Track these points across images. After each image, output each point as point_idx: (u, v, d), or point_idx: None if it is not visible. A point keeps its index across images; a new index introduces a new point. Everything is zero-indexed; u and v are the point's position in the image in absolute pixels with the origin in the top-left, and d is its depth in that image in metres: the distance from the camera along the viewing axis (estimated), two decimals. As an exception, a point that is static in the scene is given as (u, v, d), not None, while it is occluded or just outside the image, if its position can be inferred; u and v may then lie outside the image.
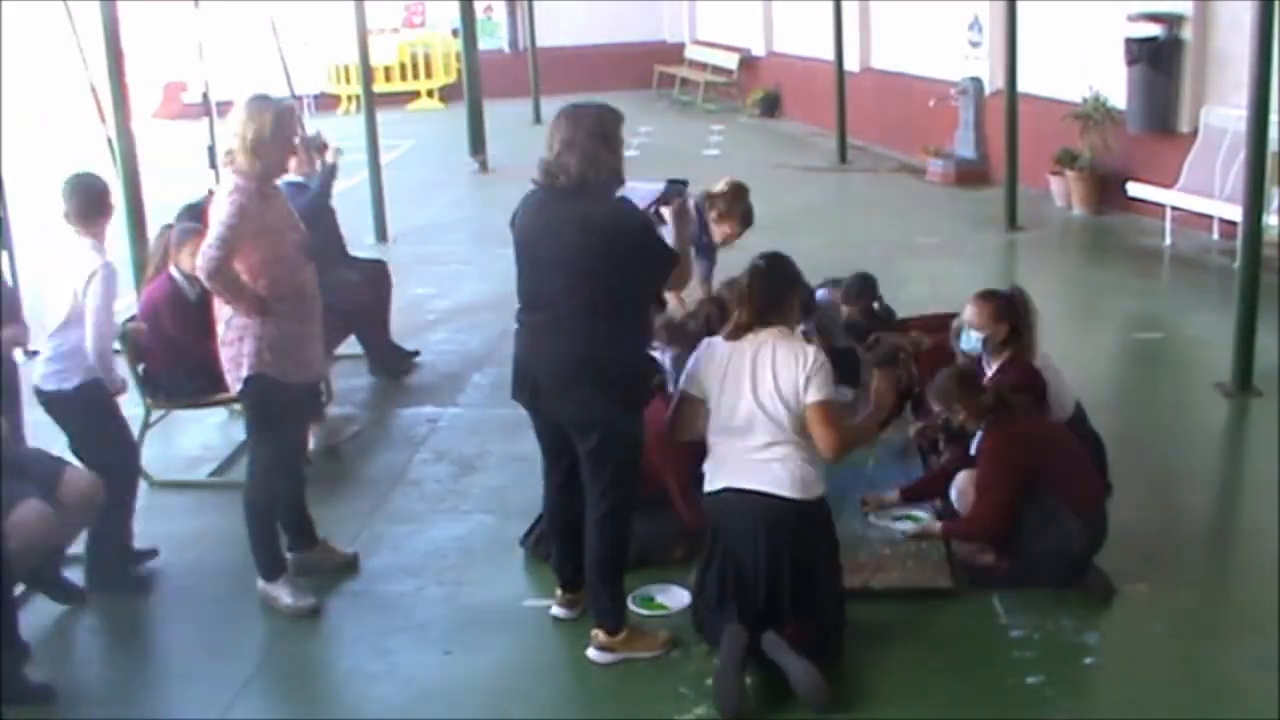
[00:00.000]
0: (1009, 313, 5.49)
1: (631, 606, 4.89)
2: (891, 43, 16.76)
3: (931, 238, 11.30)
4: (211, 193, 7.59)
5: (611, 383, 4.40)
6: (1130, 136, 11.38)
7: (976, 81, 13.83)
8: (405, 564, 5.46)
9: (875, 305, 6.93)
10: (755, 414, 4.42)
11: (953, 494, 5.30)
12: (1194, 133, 10.70)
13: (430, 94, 23.84)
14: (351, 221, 8.57)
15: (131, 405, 6.45)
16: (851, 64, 16.34)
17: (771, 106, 20.18)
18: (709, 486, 4.53)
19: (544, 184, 4.46)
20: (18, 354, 5.66)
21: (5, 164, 8.42)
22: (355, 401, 7.61)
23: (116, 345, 6.35)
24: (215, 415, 7.15)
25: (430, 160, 17.14)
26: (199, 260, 4.80)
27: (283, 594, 5.07)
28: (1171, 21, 10.86)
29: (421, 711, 4.44)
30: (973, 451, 5.25)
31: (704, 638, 4.60)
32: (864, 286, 7.08)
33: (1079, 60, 12.17)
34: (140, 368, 6.36)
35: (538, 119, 20.13)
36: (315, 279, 5.11)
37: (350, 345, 7.95)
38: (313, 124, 10.54)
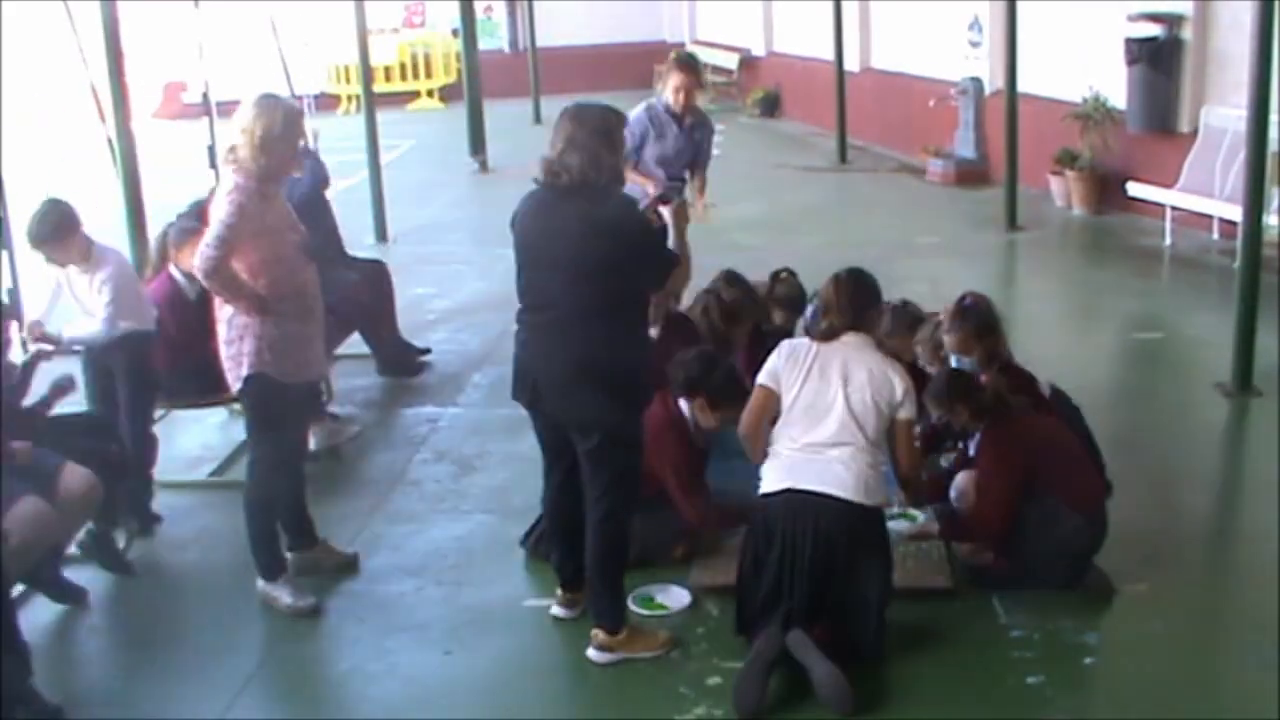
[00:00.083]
0: (984, 327, 5.46)
1: (631, 606, 4.89)
2: (891, 43, 16.76)
3: (931, 238, 11.30)
4: (213, 192, 7.63)
5: (611, 384, 4.39)
6: (1130, 136, 11.38)
7: (976, 81, 13.83)
8: (405, 564, 5.46)
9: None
10: (837, 409, 4.49)
11: (952, 494, 5.29)
12: (1194, 133, 10.70)
13: (430, 94, 23.85)
14: (351, 221, 8.58)
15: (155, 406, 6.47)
16: (851, 64, 16.35)
17: (771, 106, 20.18)
18: (768, 487, 4.53)
19: (545, 183, 4.46)
20: (15, 351, 5.66)
21: (5, 164, 8.42)
22: (356, 401, 7.61)
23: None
24: (215, 415, 7.15)
25: (430, 160, 17.14)
26: (197, 259, 4.80)
27: (283, 594, 5.07)
28: (1171, 21, 10.85)
29: (421, 711, 4.44)
30: (971, 452, 5.25)
31: (741, 633, 4.58)
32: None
33: (1079, 60, 12.17)
34: (140, 368, 6.36)
35: (538, 119, 20.13)
36: (316, 279, 5.12)
37: (351, 345, 7.95)
38: (313, 124, 10.54)
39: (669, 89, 7.38)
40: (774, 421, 4.65)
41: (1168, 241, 10.48)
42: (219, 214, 4.79)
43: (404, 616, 5.03)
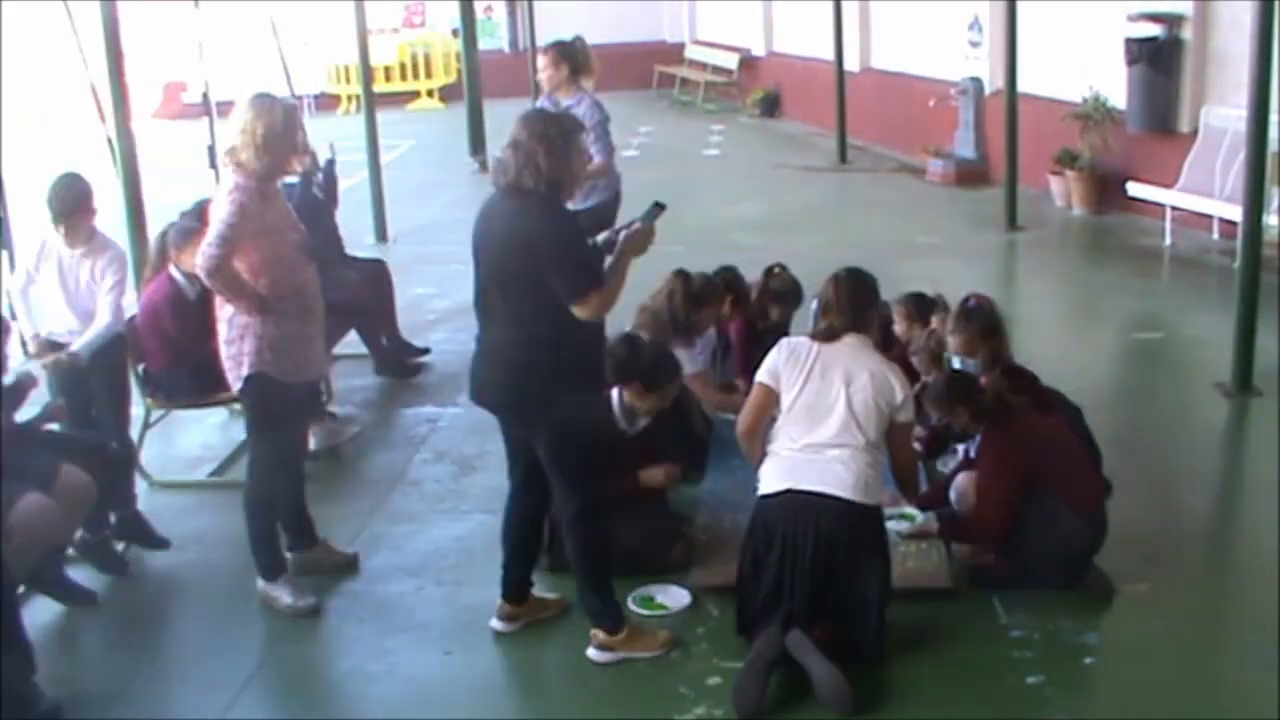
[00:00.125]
0: (989, 329, 5.47)
1: (631, 606, 4.90)
2: (891, 43, 16.76)
3: (931, 238, 11.30)
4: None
5: (539, 382, 4.38)
6: (1130, 136, 11.38)
7: (976, 81, 13.82)
8: (405, 564, 5.46)
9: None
10: (839, 409, 4.49)
11: (952, 496, 5.29)
12: (1194, 133, 10.70)
13: (430, 94, 23.84)
14: (351, 221, 8.59)
15: (131, 405, 6.46)
16: (851, 64, 16.34)
17: (771, 106, 20.18)
18: (768, 488, 4.52)
19: (495, 182, 4.48)
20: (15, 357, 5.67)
21: (5, 164, 8.41)
22: (355, 401, 7.61)
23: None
24: (215, 415, 7.15)
25: (430, 160, 17.14)
26: (199, 258, 4.81)
27: (282, 594, 5.07)
28: (1171, 21, 10.85)
29: (421, 711, 4.44)
30: (971, 454, 5.25)
31: (742, 634, 4.58)
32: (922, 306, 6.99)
33: (1079, 60, 12.17)
34: (140, 368, 6.36)
35: (538, 119, 20.10)
36: (316, 279, 5.12)
37: (351, 345, 7.95)
38: (313, 124, 10.54)
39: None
40: (772, 421, 4.65)
41: (1168, 241, 10.48)
42: (220, 213, 4.79)
43: (404, 616, 5.03)
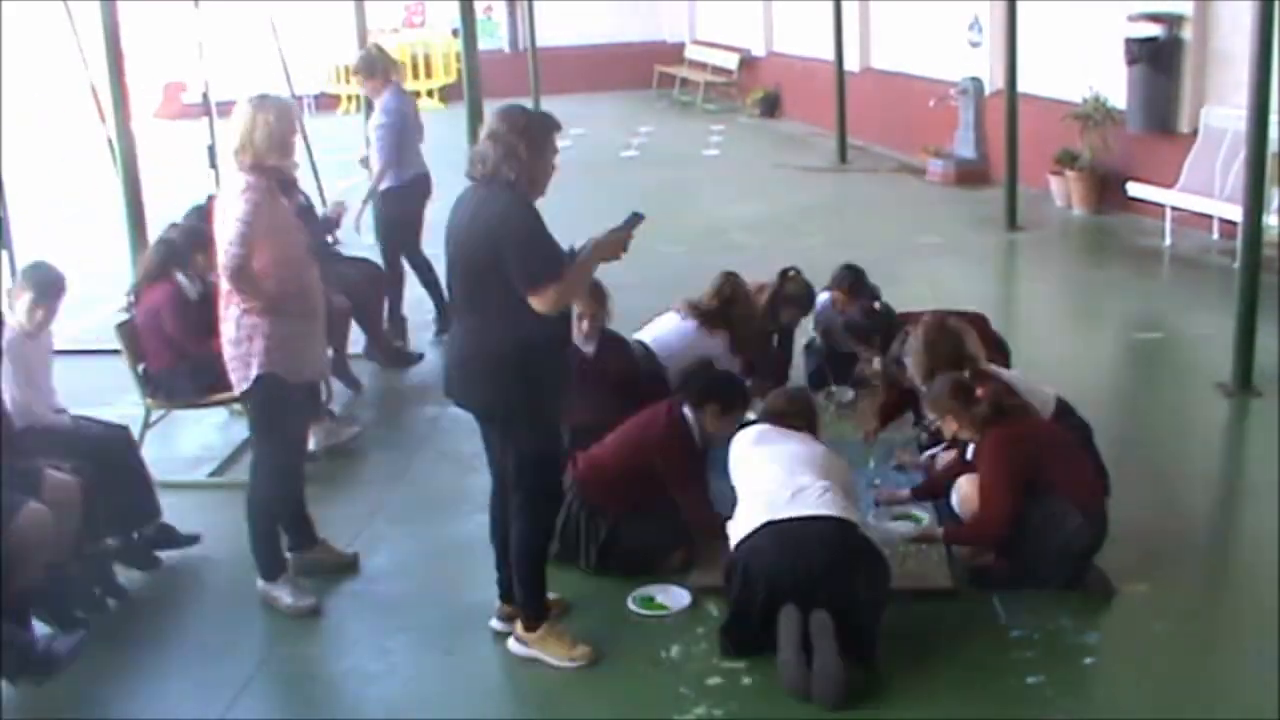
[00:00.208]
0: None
1: (631, 606, 4.91)
2: (891, 43, 16.76)
3: (931, 238, 11.29)
4: (212, 197, 7.62)
5: (497, 372, 4.39)
6: (1130, 136, 11.38)
7: (976, 81, 13.82)
8: (405, 564, 5.46)
9: (876, 304, 6.92)
10: (814, 462, 4.73)
11: (953, 499, 5.29)
12: (1194, 133, 10.70)
13: (430, 94, 23.83)
14: (352, 221, 8.57)
15: (131, 405, 6.47)
16: (851, 64, 16.34)
17: (771, 106, 20.17)
18: (743, 532, 4.54)
19: (469, 174, 4.50)
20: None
21: (5, 164, 8.42)
22: (356, 401, 7.61)
23: (115, 345, 6.40)
24: (215, 415, 7.15)
25: (430, 160, 17.09)
26: (223, 259, 4.81)
27: (283, 594, 5.07)
28: (1171, 21, 10.85)
29: (421, 711, 4.44)
30: (969, 456, 5.24)
31: (731, 652, 4.58)
32: (853, 278, 7.04)
33: (1079, 60, 12.17)
34: (140, 368, 6.36)
35: (538, 119, 20.10)
36: (319, 279, 5.13)
37: (351, 346, 7.95)
38: (313, 124, 10.54)
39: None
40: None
41: (1168, 241, 10.48)
42: (235, 213, 4.79)
43: (404, 616, 5.03)
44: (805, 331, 7.38)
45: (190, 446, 6.97)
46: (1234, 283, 7.33)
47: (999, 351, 6.23)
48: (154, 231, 6.95)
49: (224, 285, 4.92)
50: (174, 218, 6.92)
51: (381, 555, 5.55)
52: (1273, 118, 7.17)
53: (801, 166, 15.52)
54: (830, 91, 15.65)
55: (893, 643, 4.53)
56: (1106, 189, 11.66)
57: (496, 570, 4.84)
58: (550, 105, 20.95)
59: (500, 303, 4.31)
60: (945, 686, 4.40)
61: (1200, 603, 5.00)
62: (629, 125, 19.77)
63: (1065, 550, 4.87)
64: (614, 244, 4.46)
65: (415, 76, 23.87)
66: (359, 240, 8.66)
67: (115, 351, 6.49)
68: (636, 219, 4.51)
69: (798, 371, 7.22)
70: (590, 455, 5.38)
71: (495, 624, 4.85)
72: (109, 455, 5.39)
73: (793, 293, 6.88)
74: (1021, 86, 11.09)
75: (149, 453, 6.32)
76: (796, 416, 5.18)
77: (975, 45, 14.30)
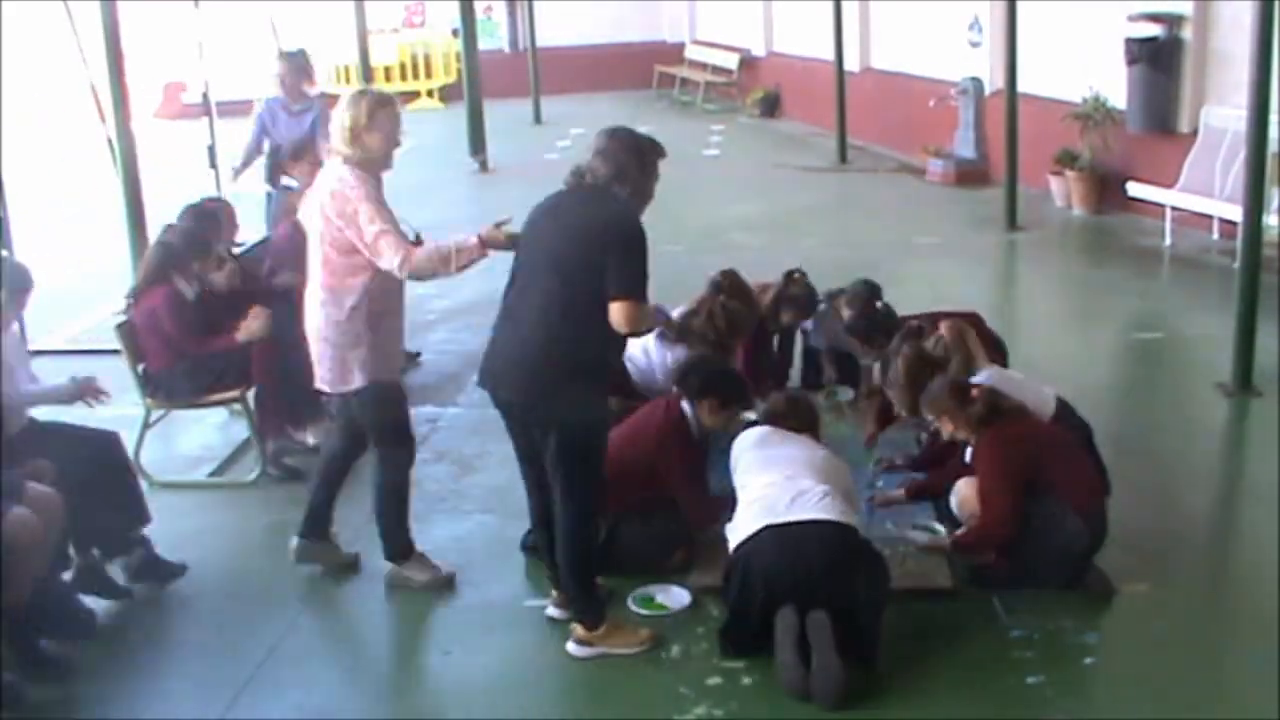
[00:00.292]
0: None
1: (631, 606, 4.91)
2: (891, 43, 16.76)
3: (931, 238, 11.29)
4: (209, 199, 7.61)
5: (567, 379, 4.41)
6: (1130, 136, 11.38)
7: (976, 81, 13.83)
8: (405, 564, 5.45)
9: (877, 304, 6.90)
10: (808, 484, 4.65)
11: (952, 502, 5.29)
12: (1194, 133, 10.70)
13: (430, 94, 23.85)
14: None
15: (131, 405, 6.46)
16: (851, 64, 16.34)
17: (771, 106, 20.18)
18: (743, 535, 4.54)
19: (570, 184, 4.57)
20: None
21: (5, 164, 8.42)
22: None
23: (115, 345, 6.39)
24: (215, 415, 7.15)
25: (430, 160, 17.13)
26: (397, 264, 4.84)
27: (415, 573, 5.14)
28: (1171, 21, 10.86)
29: (422, 711, 4.45)
30: (968, 458, 5.24)
31: (731, 652, 4.58)
32: (869, 293, 6.99)
33: (1079, 60, 12.17)
34: (140, 368, 6.36)
35: (538, 119, 20.14)
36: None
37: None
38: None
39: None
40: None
41: (1168, 241, 10.48)
42: (364, 204, 4.93)
43: (404, 616, 5.03)
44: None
45: (190, 446, 6.96)
46: (1234, 283, 7.33)
47: (997, 351, 6.22)
48: (154, 231, 6.94)
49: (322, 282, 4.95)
50: (173, 218, 6.90)
51: (382, 555, 5.54)
52: (1273, 118, 7.17)
53: (801, 166, 15.53)
54: (830, 91, 15.65)
55: (893, 643, 4.53)
56: (1106, 189, 11.66)
57: (548, 568, 4.87)
58: (550, 105, 21.07)
59: (589, 306, 4.36)
60: (945, 686, 4.40)
61: (1200, 603, 5.00)
62: (629, 125, 19.75)
63: (1065, 551, 4.86)
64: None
65: (415, 76, 23.91)
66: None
67: (115, 351, 6.48)
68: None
69: (797, 373, 7.22)
70: None
71: (554, 612, 4.88)
72: (95, 463, 5.29)
73: (796, 294, 6.87)
74: (1021, 86, 11.09)
75: (149, 453, 6.33)
76: (797, 419, 5.20)
77: (975, 45, 14.30)
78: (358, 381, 4.93)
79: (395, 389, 5.12)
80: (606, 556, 5.15)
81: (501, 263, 4.72)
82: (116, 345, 6.40)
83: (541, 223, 4.57)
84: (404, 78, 23.78)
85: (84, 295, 9.80)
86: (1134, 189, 11.00)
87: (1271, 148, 7.43)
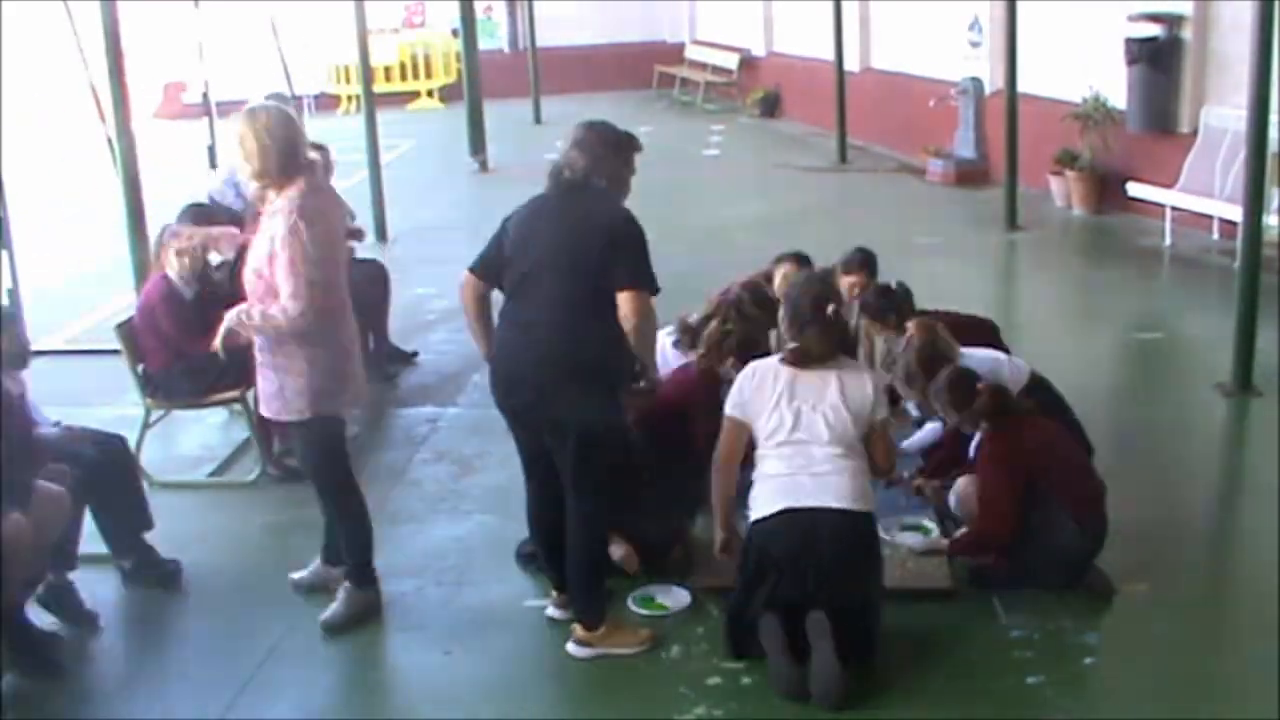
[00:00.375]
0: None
1: (631, 606, 4.91)
2: (891, 43, 16.76)
3: (931, 238, 11.29)
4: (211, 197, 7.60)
5: (587, 380, 4.41)
6: (1130, 136, 11.38)
7: (976, 81, 13.82)
8: (405, 564, 5.45)
9: (892, 284, 6.75)
10: (820, 427, 4.48)
11: (951, 500, 5.29)
12: (1194, 133, 10.70)
13: (430, 94, 23.84)
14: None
15: (131, 405, 6.47)
16: (851, 64, 16.34)
17: (771, 106, 20.18)
18: (761, 512, 4.50)
19: (549, 184, 4.56)
20: None
21: (5, 164, 8.42)
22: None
23: (115, 345, 6.40)
24: (215, 415, 7.15)
25: (430, 160, 17.14)
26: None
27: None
28: (1171, 21, 10.86)
29: (421, 711, 4.45)
30: (971, 454, 5.24)
31: (733, 651, 4.56)
32: (864, 259, 6.88)
33: (1079, 60, 12.17)
34: (140, 368, 6.36)
35: (538, 119, 20.13)
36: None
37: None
38: (312, 124, 10.52)
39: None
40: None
41: (1168, 241, 10.48)
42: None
43: (404, 616, 5.03)
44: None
45: (190, 446, 6.96)
46: (1234, 283, 7.33)
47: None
48: (154, 232, 6.94)
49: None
50: (172, 218, 6.91)
51: (381, 555, 5.51)
52: (1273, 118, 7.17)
53: (801, 166, 15.53)
54: (830, 91, 15.65)
55: (893, 643, 4.53)
56: (1106, 189, 11.66)
57: (555, 563, 4.81)
58: (550, 105, 21.09)
59: (597, 305, 4.38)
60: (945, 686, 4.40)
61: (1200, 603, 5.00)
62: (629, 125, 19.44)
63: (1065, 552, 4.86)
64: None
65: (415, 76, 23.90)
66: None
67: (115, 351, 6.49)
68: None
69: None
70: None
71: (554, 612, 4.87)
72: (104, 467, 5.28)
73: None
74: (1021, 86, 11.09)
75: (149, 453, 6.33)
76: (818, 355, 4.62)
77: (975, 45, 14.30)
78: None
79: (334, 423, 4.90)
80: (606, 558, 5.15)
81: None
82: (116, 345, 6.40)
83: (535, 226, 4.54)
84: (404, 78, 23.77)
85: (84, 295, 9.81)
86: (1134, 189, 11.00)
87: (1271, 148, 7.43)
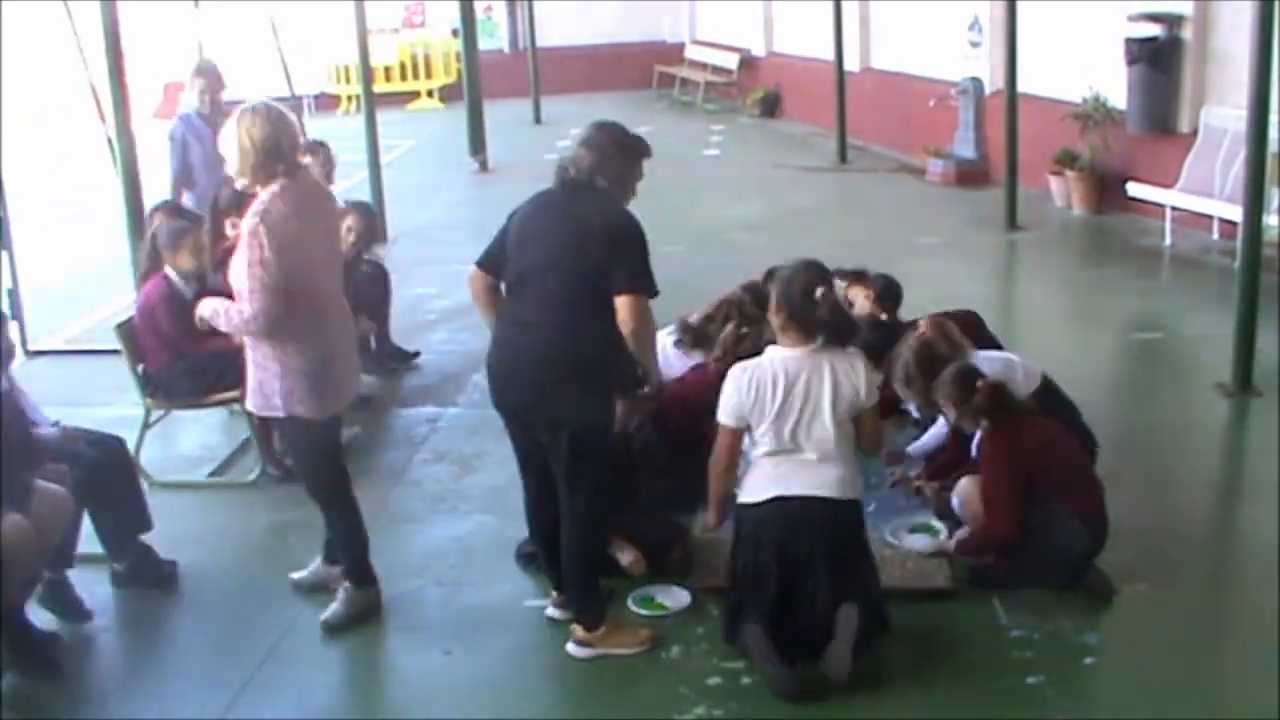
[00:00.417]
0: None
1: (631, 606, 4.91)
2: (891, 43, 16.76)
3: (931, 238, 11.29)
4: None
5: (586, 380, 4.41)
6: (1130, 136, 11.38)
7: (976, 81, 13.82)
8: (405, 564, 5.45)
9: (883, 317, 6.76)
10: (813, 421, 4.45)
11: (954, 502, 5.29)
12: (1194, 133, 10.70)
13: (430, 94, 23.84)
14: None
15: (131, 405, 6.47)
16: (851, 64, 16.34)
17: (771, 106, 20.18)
18: (752, 498, 4.50)
19: (554, 181, 4.55)
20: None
21: (5, 164, 8.42)
22: (355, 402, 7.59)
23: (115, 345, 6.40)
24: (215, 415, 7.15)
25: (430, 160, 17.14)
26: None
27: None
28: (1171, 21, 10.85)
29: (421, 711, 4.45)
30: (973, 453, 5.24)
31: (731, 640, 4.57)
32: (884, 285, 6.87)
33: (1079, 60, 12.17)
34: (140, 368, 6.36)
35: (538, 119, 20.13)
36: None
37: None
38: (312, 124, 10.53)
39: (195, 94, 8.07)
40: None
41: (1168, 241, 10.48)
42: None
43: (404, 616, 5.03)
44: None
45: (190, 446, 6.96)
46: (1234, 283, 7.33)
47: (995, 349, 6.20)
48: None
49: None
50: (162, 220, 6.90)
51: (381, 555, 5.52)
52: (1273, 118, 7.17)
53: (801, 166, 15.52)
54: (830, 91, 15.65)
55: (893, 643, 4.53)
56: (1106, 189, 11.66)
57: (547, 564, 4.85)
58: (550, 105, 21.08)
59: (594, 305, 4.38)
60: (945, 686, 4.40)
61: (1200, 603, 5.00)
62: (629, 125, 19.71)
63: (1065, 552, 4.86)
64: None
65: (415, 76, 23.91)
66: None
67: (115, 351, 6.49)
68: None
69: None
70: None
71: (554, 612, 4.87)
72: (102, 468, 5.26)
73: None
74: (1021, 86, 11.09)
75: (149, 453, 6.33)
76: (802, 329, 4.53)
77: (975, 45, 14.30)
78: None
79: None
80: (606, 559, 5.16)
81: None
82: (116, 345, 6.41)
83: (537, 224, 4.54)
84: (404, 78, 23.77)
85: (84, 295, 9.81)
86: (1134, 189, 11.00)
87: (1271, 148, 7.43)
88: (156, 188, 8.09)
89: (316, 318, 4.69)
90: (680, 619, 4.87)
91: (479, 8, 20.11)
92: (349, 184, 11.32)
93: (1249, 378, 7.07)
